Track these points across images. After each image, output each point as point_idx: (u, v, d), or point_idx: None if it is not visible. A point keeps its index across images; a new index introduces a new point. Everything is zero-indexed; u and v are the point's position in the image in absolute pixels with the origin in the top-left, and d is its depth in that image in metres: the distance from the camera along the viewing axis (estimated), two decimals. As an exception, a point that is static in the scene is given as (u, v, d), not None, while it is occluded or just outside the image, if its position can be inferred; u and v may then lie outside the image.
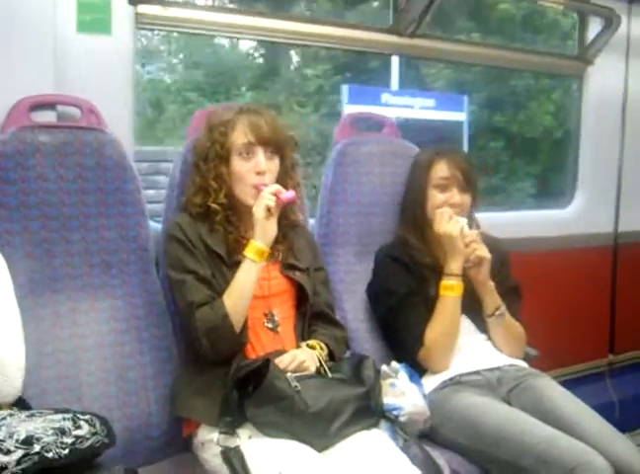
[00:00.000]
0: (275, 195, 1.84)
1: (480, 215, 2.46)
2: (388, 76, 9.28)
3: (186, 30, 2.51)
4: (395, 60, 8.19)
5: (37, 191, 1.86)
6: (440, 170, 2.24)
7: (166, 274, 1.93)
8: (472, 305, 2.20)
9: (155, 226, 2.16)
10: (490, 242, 2.24)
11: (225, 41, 11.27)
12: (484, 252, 2.16)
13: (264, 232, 1.85)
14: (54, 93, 2.01)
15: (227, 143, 1.91)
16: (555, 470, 1.76)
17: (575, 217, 3.43)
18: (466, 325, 2.22)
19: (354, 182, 2.42)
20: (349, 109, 8.32)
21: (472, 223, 2.31)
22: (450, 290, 2.15)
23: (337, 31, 2.76)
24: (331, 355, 1.94)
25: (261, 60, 11.85)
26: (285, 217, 1.98)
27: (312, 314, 2.02)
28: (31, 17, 1.96)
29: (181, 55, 11.51)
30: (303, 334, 1.98)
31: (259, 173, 1.90)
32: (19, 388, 1.53)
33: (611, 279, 3.59)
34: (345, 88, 8.99)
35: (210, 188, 1.92)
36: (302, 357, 1.81)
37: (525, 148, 9.79)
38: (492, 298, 2.21)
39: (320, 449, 1.69)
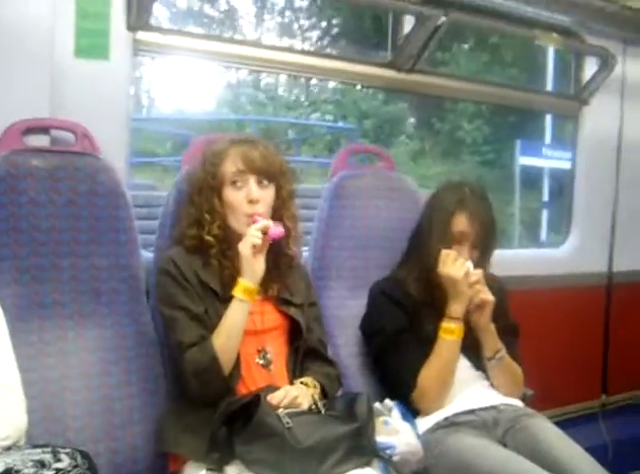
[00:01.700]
0: (263, 231, 1.81)
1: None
2: (540, 130, 11.34)
3: (181, 56, 2.50)
4: (548, 116, 10.02)
5: (27, 215, 1.83)
6: (460, 224, 2.14)
7: (157, 308, 1.90)
8: (470, 343, 2.16)
9: (147, 255, 2.12)
10: (490, 281, 2.19)
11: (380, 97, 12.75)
12: (487, 295, 2.11)
13: (252, 270, 1.81)
14: (48, 117, 1.98)
15: (219, 174, 1.89)
16: None
17: (569, 256, 3.42)
18: (463, 362, 2.18)
19: (349, 216, 2.40)
20: (522, 160, 10.87)
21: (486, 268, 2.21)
22: (451, 334, 2.10)
23: (336, 64, 2.77)
24: (324, 394, 1.90)
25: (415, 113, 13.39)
26: (280, 251, 1.95)
27: (305, 351, 1.98)
28: (28, 40, 1.95)
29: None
30: (295, 371, 1.94)
31: (251, 201, 1.87)
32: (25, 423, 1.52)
33: (605, 319, 3.57)
34: (518, 142, 10.89)
35: (204, 220, 1.89)
36: (295, 393, 1.77)
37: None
38: (493, 341, 2.16)
39: (311, 488, 1.64)
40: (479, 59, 12.37)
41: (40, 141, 1.95)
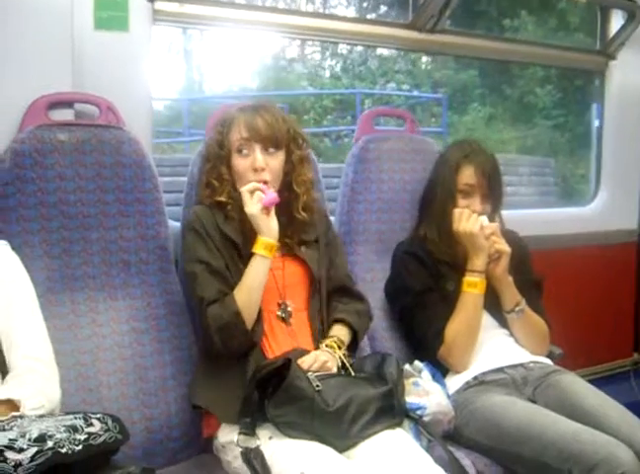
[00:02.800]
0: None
1: (502, 213, 2.42)
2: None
3: (203, 26, 2.49)
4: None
5: (55, 189, 1.85)
6: (467, 176, 2.20)
7: (181, 266, 1.92)
8: (493, 301, 2.18)
9: (174, 225, 2.14)
10: (509, 236, 2.22)
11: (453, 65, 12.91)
12: (504, 245, 2.14)
13: (266, 226, 1.83)
14: (72, 91, 1.99)
15: (225, 142, 1.92)
16: (579, 465, 1.73)
17: (598, 214, 3.38)
18: (487, 321, 2.20)
19: (374, 179, 2.40)
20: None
21: (497, 222, 2.27)
22: (474, 287, 2.12)
23: (355, 26, 2.75)
24: (354, 334, 1.96)
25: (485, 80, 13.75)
26: (291, 214, 1.96)
27: (332, 289, 2.02)
28: (48, 14, 1.95)
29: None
30: (321, 316, 1.97)
31: (256, 170, 1.88)
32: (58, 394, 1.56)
33: (636, 277, 3.54)
34: (594, 106, 10.30)
35: (214, 185, 1.92)
36: (324, 358, 1.79)
37: None
38: (511, 293, 2.18)
39: (342, 450, 1.66)
40: (546, 25, 12.37)
41: (64, 115, 1.96)
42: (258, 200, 1.82)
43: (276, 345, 1.86)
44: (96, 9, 2.06)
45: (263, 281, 1.84)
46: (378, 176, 2.40)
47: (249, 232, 1.88)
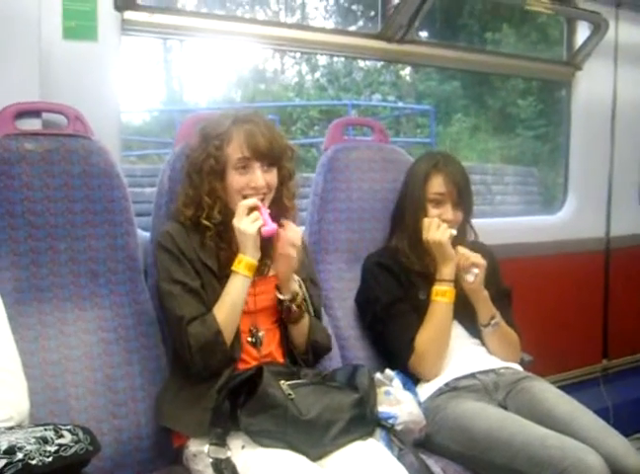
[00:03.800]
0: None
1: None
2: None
3: (172, 36, 2.49)
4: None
5: (22, 199, 1.83)
6: (437, 185, 2.22)
7: (156, 283, 1.90)
8: (464, 313, 2.20)
9: (144, 235, 2.13)
10: (480, 249, 2.25)
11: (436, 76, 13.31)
12: (479, 259, 2.16)
13: (255, 248, 1.82)
14: (40, 100, 1.98)
15: (223, 157, 1.87)
16: (548, 470, 1.75)
17: (566, 223, 3.42)
18: (458, 331, 2.22)
19: (344, 188, 2.40)
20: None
21: (469, 233, 2.33)
22: (442, 296, 2.14)
23: (326, 37, 2.75)
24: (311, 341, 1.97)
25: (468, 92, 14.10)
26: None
27: None
28: (16, 24, 1.94)
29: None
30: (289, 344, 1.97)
31: (254, 188, 1.86)
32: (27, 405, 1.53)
33: (604, 284, 3.58)
34: None
35: (204, 202, 1.88)
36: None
37: None
38: (486, 307, 2.20)
39: (315, 458, 1.66)
40: (527, 38, 12.59)
41: (31, 125, 1.94)
42: (254, 220, 1.80)
43: (243, 365, 1.85)
44: (64, 18, 2.05)
45: (243, 300, 1.83)
46: (347, 185, 2.41)
47: (224, 259, 1.88)
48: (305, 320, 1.94)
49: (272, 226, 1.83)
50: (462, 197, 2.23)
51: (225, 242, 1.89)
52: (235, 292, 1.82)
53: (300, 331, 1.95)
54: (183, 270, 1.84)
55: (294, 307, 1.89)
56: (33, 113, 1.95)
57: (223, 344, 1.78)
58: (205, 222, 1.88)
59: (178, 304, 1.81)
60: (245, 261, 1.81)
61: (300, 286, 1.93)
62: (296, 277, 1.92)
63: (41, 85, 1.99)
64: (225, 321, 1.79)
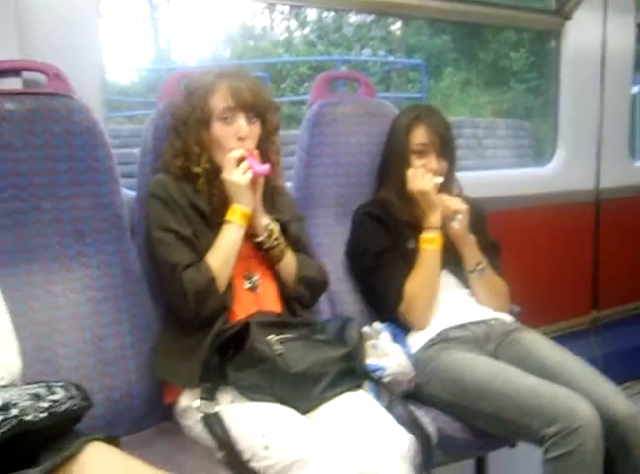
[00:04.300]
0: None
1: (460, 175, 2.43)
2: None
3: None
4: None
5: (5, 160, 1.80)
6: (419, 136, 2.23)
7: (147, 233, 1.89)
8: (454, 261, 2.22)
9: (130, 194, 2.11)
10: (466, 201, 2.25)
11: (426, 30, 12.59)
12: (459, 205, 2.18)
13: (248, 197, 1.84)
14: (19, 58, 1.94)
15: (207, 107, 1.87)
16: (538, 419, 1.77)
17: (556, 174, 3.41)
18: (449, 280, 2.23)
19: (330, 143, 2.38)
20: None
21: (453, 185, 2.33)
22: (430, 243, 2.15)
23: None
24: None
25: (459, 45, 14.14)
26: (267, 183, 1.95)
27: None
28: None
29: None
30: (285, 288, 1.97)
31: (240, 139, 1.87)
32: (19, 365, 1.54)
33: (593, 236, 3.58)
34: None
35: (191, 152, 1.89)
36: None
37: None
38: (473, 252, 2.22)
39: (304, 411, 1.68)
40: None
41: (11, 84, 1.91)
42: (245, 170, 1.83)
43: (242, 312, 1.86)
44: (42, -27, 2.01)
45: (237, 249, 1.85)
46: (334, 140, 2.39)
47: (217, 203, 1.88)
48: (289, 258, 1.95)
49: (262, 167, 1.85)
50: (445, 147, 2.24)
51: (217, 188, 1.89)
52: (230, 241, 1.84)
53: (288, 269, 1.96)
54: (174, 218, 1.84)
55: (273, 243, 1.91)
56: (12, 71, 1.92)
57: (217, 291, 1.80)
58: (196, 169, 1.89)
59: (171, 252, 1.81)
60: (240, 210, 1.84)
61: (273, 225, 1.93)
62: (266, 220, 1.93)
63: (21, 43, 1.95)
64: (219, 269, 1.81)
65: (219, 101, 1.87)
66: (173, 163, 1.91)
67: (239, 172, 1.83)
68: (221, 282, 1.81)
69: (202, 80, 1.91)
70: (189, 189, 1.89)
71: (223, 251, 1.83)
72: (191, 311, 1.78)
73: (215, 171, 1.89)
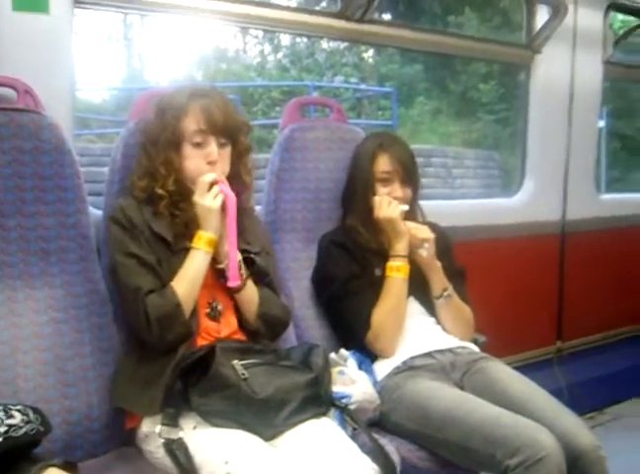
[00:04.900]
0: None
1: (428, 204, 2.45)
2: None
3: (124, 10, 2.44)
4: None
5: None
6: (383, 164, 2.25)
7: (110, 257, 1.87)
8: (421, 289, 2.22)
9: (96, 213, 2.09)
10: (431, 227, 2.26)
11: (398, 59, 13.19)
12: (426, 233, 2.19)
13: (216, 223, 1.82)
14: None
15: (179, 129, 1.85)
16: (502, 449, 1.76)
17: (523, 205, 3.44)
18: (415, 308, 2.23)
19: (300, 168, 2.38)
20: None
21: (417, 212, 2.34)
22: (397, 271, 2.16)
23: (287, 15, 2.73)
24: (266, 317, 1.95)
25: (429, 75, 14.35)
26: (238, 206, 1.92)
27: None
28: None
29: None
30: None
31: (210, 163, 1.86)
32: None
33: (559, 267, 3.62)
34: None
35: (158, 173, 1.87)
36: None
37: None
38: (439, 279, 2.23)
39: (268, 438, 1.66)
40: (489, 22, 12.67)
41: None
42: (216, 194, 1.81)
43: (203, 340, 1.84)
44: (15, -11, 2.00)
45: (202, 276, 1.83)
46: (304, 165, 2.39)
47: (180, 228, 1.86)
48: (250, 290, 1.93)
49: (233, 197, 1.83)
50: (409, 175, 2.26)
51: (180, 210, 1.87)
52: (195, 268, 1.82)
53: (246, 302, 1.93)
54: (136, 243, 1.82)
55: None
56: None
57: (182, 316, 1.78)
58: (160, 191, 1.86)
59: (133, 277, 1.79)
60: (206, 237, 1.82)
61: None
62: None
63: None
64: (185, 295, 1.79)
65: (191, 123, 1.85)
66: (137, 184, 1.89)
67: (211, 196, 1.82)
68: (187, 308, 1.79)
69: (175, 99, 1.89)
70: (149, 213, 1.86)
71: (188, 277, 1.81)
72: (154, 336, 1.76)
73: (180, 194, 1.88)
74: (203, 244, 1.82)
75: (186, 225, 1.86)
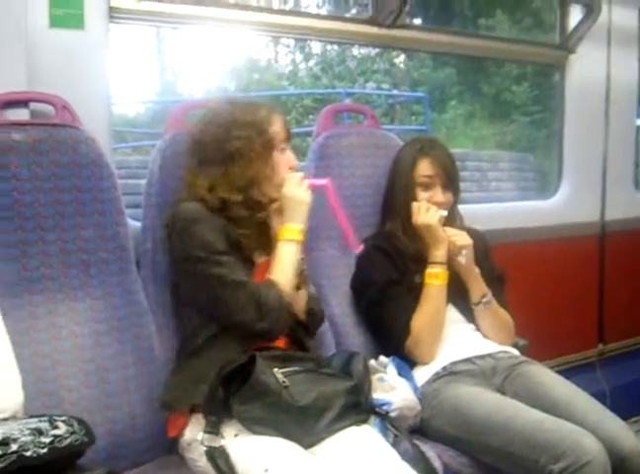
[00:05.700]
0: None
1: (465, 207, 2.44)
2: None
3: (161, 24, 2.46)
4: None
5: (11, 190, 1.80)
6: (424, 168, 2.25)
7: (188, 257, 1.84)
8: (459, 296, 2.21)
9: (135, 225, 2.11)
10: (470, 233, 2.25)
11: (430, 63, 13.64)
12: (465, 240, 2.18)
13: (304, 214, 1.91)
14: (27, 90, 1.95)
15: (268, 140, 1.92)
16: (546, 454, 1.74)
17: (560, 207, 3.40)
18: (454, 315, 2.22)
19: (335, 175, 2.37)
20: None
21: (457, 218, 2.33)
22: (435, 278, 2.14)
23: (317, 23, 2.74)
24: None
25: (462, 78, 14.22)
26: None
27: None
28: (2, 12, 1.91)
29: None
30: None
31: (291, 168, 1.95)
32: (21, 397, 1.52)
33: (599, 269, 3.57)
34: None
35: (252, 182, 1.89)
36: None
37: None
38: (478, 285, 2.21)
39: (308, 446, 1.66)
40: (521, 24, 12.60)
41: (19, 115, 1.92)
42: (307, 188, 1.92)
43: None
44: (51, 6, 2.03)
45: (297, 268, 1.90)
46: (339, 171, 2.40)
47: (254, 238, 1.90)
48: (305, 288, 2.00)
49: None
50: (451, 179, 2.25)
51: (250, 228, 1.90)
52: (291, 260, 1.88)
53: (301, 298, 1.97)
54: (221, 242, 1.84)
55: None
56: (20, 102, 1.93)
57: (290, 307, 1.86)
58: (237, 198, 1.88)
59: (232, 270, 1.82)
60: (294, 228, 1.89)
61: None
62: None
63: (29, 74, 1.96)
64: (286, 286, 1.85)
65: (279, 132, 1.94)
66: (207, 197, 1.88)
67: (302, 189, 1.90)
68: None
69: (255, 114, 1.94)
70: (223, 220, 1.87)
71: (288, 270, 1.87)
72: (266, 324, 1.80)
73: (258, 203, 1.91)
74: (297, 234, 1.88)
75: (251, 244, 1.89)
